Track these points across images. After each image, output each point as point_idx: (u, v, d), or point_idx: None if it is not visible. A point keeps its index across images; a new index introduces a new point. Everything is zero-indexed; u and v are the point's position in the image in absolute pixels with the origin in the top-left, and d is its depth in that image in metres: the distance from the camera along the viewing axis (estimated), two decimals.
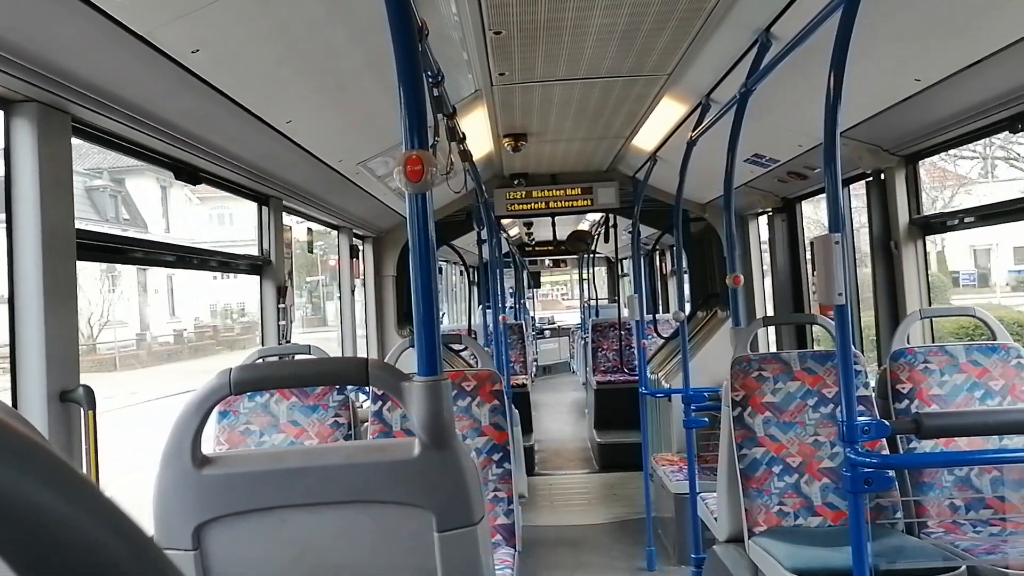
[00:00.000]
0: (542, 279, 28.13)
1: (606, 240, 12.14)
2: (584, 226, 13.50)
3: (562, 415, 14.20)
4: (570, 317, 25.74)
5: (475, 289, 14.44)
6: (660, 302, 13.52)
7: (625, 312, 11.16)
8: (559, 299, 37.73)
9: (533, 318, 21.33)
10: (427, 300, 2.01)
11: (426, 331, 2.00)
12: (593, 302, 15.43)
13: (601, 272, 21.77)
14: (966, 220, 4.94)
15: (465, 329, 11.83)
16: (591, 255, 15.29)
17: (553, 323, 22.27)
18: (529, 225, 14.25)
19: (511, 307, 17.62)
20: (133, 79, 2.91)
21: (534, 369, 17.90)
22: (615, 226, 10.56)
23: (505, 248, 15.62)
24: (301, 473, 1.88)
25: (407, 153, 1.95)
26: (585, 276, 15.72)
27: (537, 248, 17.48)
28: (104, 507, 0.52)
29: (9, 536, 0.48)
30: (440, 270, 15.80)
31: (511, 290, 18.31)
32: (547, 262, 23.13)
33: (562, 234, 14.73)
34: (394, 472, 1.88)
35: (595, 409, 11.07)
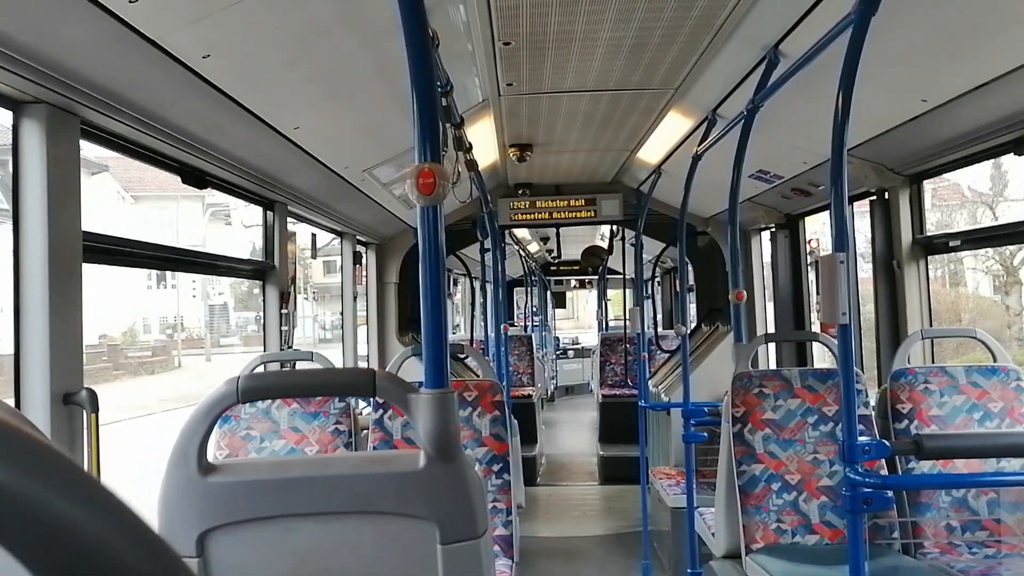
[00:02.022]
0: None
1: (610, 252, 12.16)
2: (603, 243, 13.55)
3: (577, 432, 14.22)
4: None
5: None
6: (674, 319, 13.56)
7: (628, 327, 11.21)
8: None
9: (557, 338, 21.30)
10: (436, 312, 2.01)
11: (434, 343, 2.00)
12: (608, 321, 15.49)
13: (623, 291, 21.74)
14: (968, 241, 4.96)
15: (468, 339, 11.84)
16: (606, 274, 15.38)
17: (577, 343, 22.14)
18: (546, 240, 14.30)
19: (535, 324, 17.79)
20: (143, 82, 2.92)
21: (552, 387, 17.94)
22: (623, 239, 10.58)
23: (519, 269, 15.74)
24: (306, 482, 1.88)
25: (419, 166, 1.96)
26: (609, 297, 15.81)
27: (561, 267, 17.63)
28: (116, 509, 0.52)
29: (23, 538, 0.48)
30: (456, 282, 15.87)
31: (535, 308, 18.45)
32: (573, 282, 23.17)
33: (568, 251, 14.77)
34: (399, 483, 1.89)
35: (600, 422, 11.07)
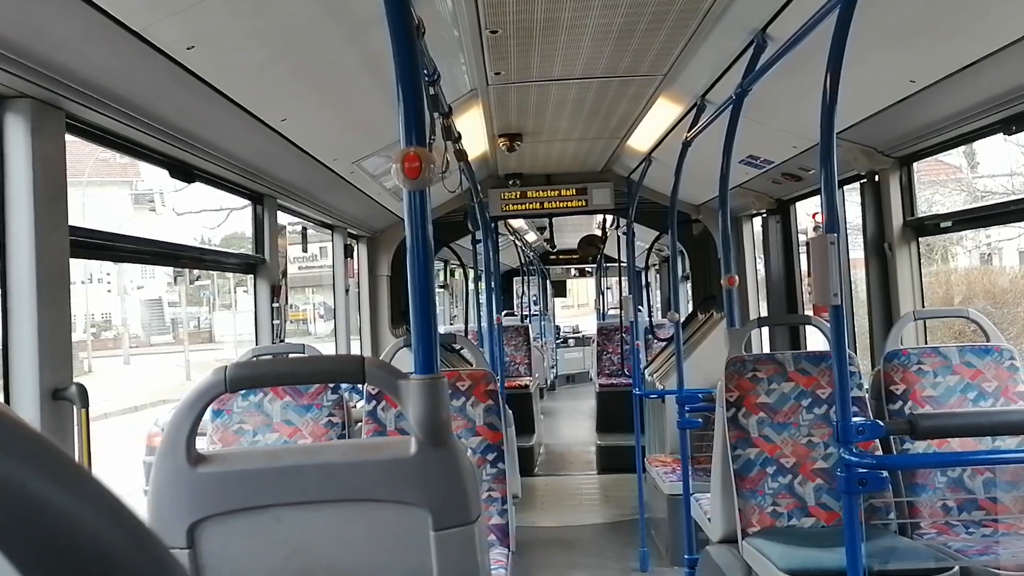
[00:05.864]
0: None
1: (604, 241, 12.18)
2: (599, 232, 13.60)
3: (576, 421, 14.22)
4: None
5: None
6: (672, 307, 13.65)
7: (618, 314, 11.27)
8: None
9: (557, 327, 21.31)
10: (424, 298, 2.00)
11: (423, 330, 1.99)
12: (607, 310, 15.56)
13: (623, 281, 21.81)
14: (960, 222, 4.96)
15: (463, 330, 11.85)
16: (604, 263, 15.44)
17: (578, 332, 22.10)
18: (543, 230, 14.36)
19: (534, 314, 17.85)
20: (127, 75, 2.90)
21: (553, 376, 17.96)
22: (616, 227, 10.60)
23: (516, 258, 15.85)
24: (296, 471, 1.88)
25: (405, 150, 1.95)
26: (609, 285, 15.89)
27: (560, 256, 17.71)
28: (107, 501, 0.51)
29: (11, 531, 0.47)
30: (452, 273, 15.87)
31: (534, 298, 18.47)
32: (572, 271, 23.18)
33: (566, 240, 14.85)
34: (390, 470, 1.88)
35: (598, 412, 11.09)
